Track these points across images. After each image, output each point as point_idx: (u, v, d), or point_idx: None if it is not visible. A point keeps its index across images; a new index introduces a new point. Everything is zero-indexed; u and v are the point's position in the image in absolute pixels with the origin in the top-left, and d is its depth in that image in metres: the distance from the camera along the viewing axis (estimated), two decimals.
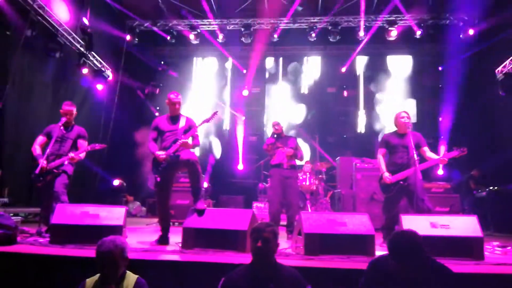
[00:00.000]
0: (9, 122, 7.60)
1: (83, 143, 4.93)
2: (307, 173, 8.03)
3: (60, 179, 4.66)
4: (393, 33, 10.33)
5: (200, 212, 4.10)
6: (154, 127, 4.59)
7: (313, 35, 10.49)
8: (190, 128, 4.48)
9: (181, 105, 4.70)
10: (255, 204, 8.56)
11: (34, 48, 8.17)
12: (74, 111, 5.06)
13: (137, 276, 2.55)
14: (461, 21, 10.07)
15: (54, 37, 8.80)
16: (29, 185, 7.78)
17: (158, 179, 4.36)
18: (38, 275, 3.29)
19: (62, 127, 4.90)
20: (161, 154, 4.31)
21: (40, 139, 4.93)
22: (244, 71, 11.91)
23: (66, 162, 4.73)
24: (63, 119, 4.90)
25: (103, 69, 10.57)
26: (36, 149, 4.86)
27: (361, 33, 10.45)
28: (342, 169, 8.27)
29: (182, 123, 4.55)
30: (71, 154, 4.68)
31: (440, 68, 10.69)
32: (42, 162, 4.63)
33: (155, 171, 4.40)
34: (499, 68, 9.05)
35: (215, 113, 4.51)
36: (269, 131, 11.57)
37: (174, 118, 4.60)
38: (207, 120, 4.46)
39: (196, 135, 4.52)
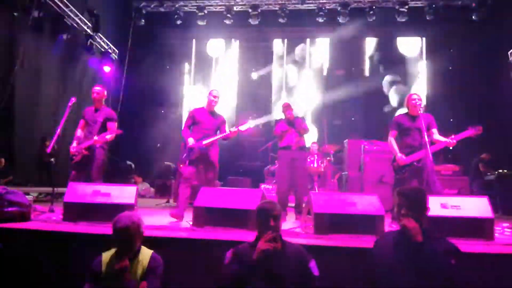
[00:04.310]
0: (19, 103, 7.65)
1: (112, 126, 5.05)
2: (315, 155, 8.03)
3: (95, 166, 4.89)
4: (404, 14, 10.15)
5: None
6: (192, 116, 5.12)
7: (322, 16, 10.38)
8: (221, 124, 5.13)
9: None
10: (262, 186, 8.61)
11: (41, 29, 8.14)
12: (104, 93, 5.24)
13: (152, 251, 2.60)
14: (473, 2, 9.84)
15: (61, 18, 8.76)
16: (40, 165, 7.89)
17: (187, 161, 4.88)
18: (52, 251, 3.36)
19: (93, 110, 5.14)
20: (192, 141, 4.83)
21: (81, 122, 5.18)
22: (252, 53, 11.79)
23: (97, 145, 4.90)
24: (94, 101, 5.16)
25: (110, 51, 10.55)
26: (77, 131, 5.14)
27: (371, 14, 10.28)
28: (350, 152, 8.23)
29: (216, 118, 5.13)
30: (95, 138, 4.82)
31: (451, 50, 10.49)
32: (72, 147, 4.93)
33: (186, 156, 4.89)
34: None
35: (248, 123, 5.08)
36: (276, 113, 11.55)
37: (212, 113, 5.14)
38: (240, 130, 4.98)
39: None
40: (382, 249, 2.41)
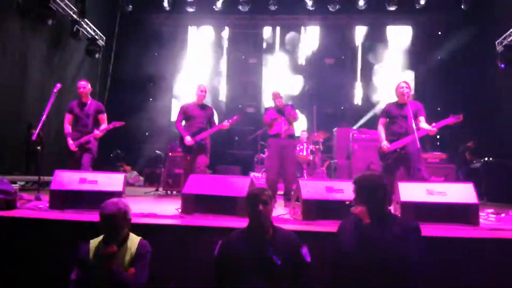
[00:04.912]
0: (4, 90, 7.47)
1: (103, 117, 5.29)
2: (304, 143, 8.04)
3: (87, 157, 5.04)
4: (394, 3, 10.12)
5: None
6: (183, 111, 5.63)
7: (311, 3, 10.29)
8: (211, 115, 5.70)
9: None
10: (252, 174, 8.61)
11: (26, 14, 7.93)
12: (88, 86, 5.33)
13: (140, 237, 2.59)
14: None
15: (46, 3, 8.52)
16: (27, 153, 7.76)
17: (189, 157, 5.51)
18: (38, 239, 3.32)
19: (81, 104, 5.22)
20: (189, 140, 5.36)
21: (68, 117, 5.23)
22: (242, 41, 11.67)
23: (92, 139, 5.07)
24: (80, 95, 5.23)
25: (97, 37, 10.35)
26: (66, 127, 5.18)
27: (361, 2, 10.24)
28: (339, 140, 8.29)
29: (206, 111, 5.67)
30: (96, 132, 5.05)
31: (440, 39, 10.52)
32: (71, 144, 5.02)
33: (185, 151, 5.55)
34: (499, 40, 8.95)
35: (238, 116, 5.55)
36: (265, 101, 11.52)
37: (202, 106, 5.67)
38: (231, 122, 5.46)
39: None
40: (343, 232, 2.46)
